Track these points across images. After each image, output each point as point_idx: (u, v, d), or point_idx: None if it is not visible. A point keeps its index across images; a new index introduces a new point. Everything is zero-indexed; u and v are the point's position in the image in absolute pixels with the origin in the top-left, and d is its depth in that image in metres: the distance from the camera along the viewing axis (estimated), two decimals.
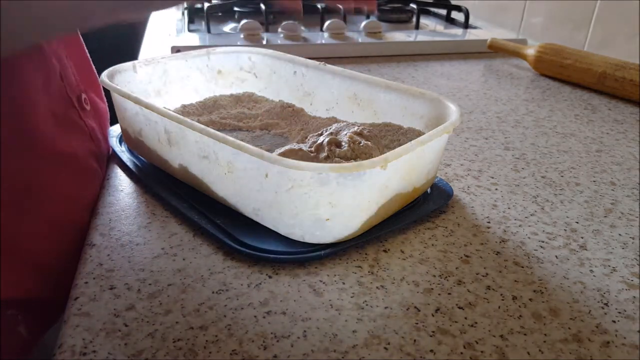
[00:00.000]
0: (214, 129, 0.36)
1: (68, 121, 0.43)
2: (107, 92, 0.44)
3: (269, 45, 0.79)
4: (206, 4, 0.88)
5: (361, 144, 0.36)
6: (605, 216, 0.42)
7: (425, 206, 0.40)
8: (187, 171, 0.40)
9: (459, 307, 0.31)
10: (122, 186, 0.44)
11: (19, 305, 0.40)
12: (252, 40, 0.82)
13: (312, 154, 0.37)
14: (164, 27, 0.95)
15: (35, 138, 0.39)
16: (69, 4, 0.26)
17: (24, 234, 0.39)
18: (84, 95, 0.46)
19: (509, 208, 0.42)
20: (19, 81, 0.38)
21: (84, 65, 0.50)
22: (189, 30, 0.87)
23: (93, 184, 0.44)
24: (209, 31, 0.86)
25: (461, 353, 0.28)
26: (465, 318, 0.31)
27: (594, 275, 0.35)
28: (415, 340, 0.29)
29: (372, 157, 0.35)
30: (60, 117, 0.42)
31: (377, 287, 0.33)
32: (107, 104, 0.53)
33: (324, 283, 0.33)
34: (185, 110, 0.52)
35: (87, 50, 0.51)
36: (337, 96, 0.50)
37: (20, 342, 0.40)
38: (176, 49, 0.75)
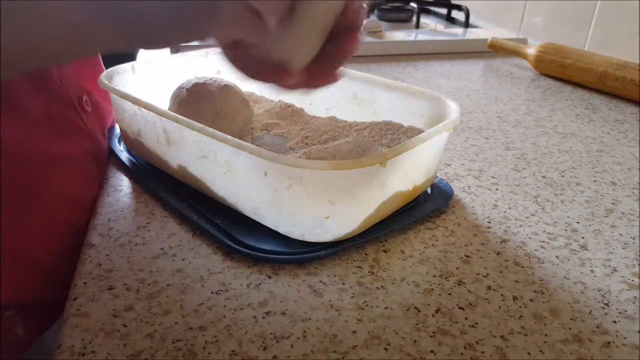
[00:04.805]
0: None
1: (66, 122, 0.43)
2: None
3: None
4: None
5: None
6: (606, 216, 0.42)
7: (425, 206, 0.40)
8: (186, 171, 0.40)
9: (460, 308, 0.31)
10: (121, 186, 0.44)
11: (18, 306, 0.40)
12: None
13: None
14: None
15: (23, 141, 0.39)
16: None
17: (22, 238, 0.39)
18: (85, 97, 0.45)
19: (509, 208, 0.42)
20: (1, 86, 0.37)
21: (93, 67, 0.49)
22: None
23: (92, 184, 0.44)
24: None
25: (461, 353, 0.28)
26: (466, 318, 0.30)
27: (594, 276, 0.35)
28: (415, 341, 0.29)
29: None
30: (57, 119, 0.42)
31: (377, 288, 0.33)
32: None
33: (323, 283, 0.33)
34: None
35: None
36: (336, 96, 0.50)
37: (17, 342, 0.40)
38: (175, 50, 0.75)
